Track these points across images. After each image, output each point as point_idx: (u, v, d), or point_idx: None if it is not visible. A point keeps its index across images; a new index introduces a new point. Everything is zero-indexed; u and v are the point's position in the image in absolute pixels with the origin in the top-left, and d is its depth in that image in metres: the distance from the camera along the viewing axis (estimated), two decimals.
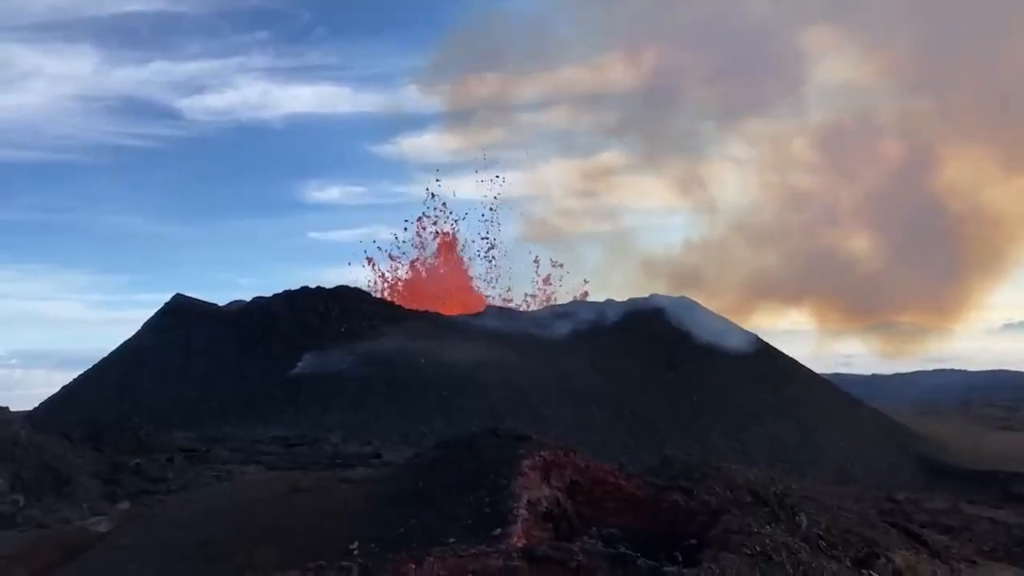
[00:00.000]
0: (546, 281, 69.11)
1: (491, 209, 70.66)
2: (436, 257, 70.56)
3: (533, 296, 68.42)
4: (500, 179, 72.68)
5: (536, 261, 69.93)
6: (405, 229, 70.16)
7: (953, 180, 79.36)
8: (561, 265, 69.68)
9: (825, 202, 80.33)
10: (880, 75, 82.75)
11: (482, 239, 69.89)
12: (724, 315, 58.19)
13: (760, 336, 54.81)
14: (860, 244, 77.22)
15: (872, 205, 76.88)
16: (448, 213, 70.67)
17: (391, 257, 69.52)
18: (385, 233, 70.71)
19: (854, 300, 75.48)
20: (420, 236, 69.91)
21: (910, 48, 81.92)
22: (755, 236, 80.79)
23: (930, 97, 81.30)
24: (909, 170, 76.06)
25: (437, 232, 70.39)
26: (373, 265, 68.89)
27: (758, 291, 76.20)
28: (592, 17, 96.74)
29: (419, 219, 70.57)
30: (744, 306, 75.07)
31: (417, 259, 69.82)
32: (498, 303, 65.29)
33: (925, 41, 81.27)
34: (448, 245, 70.51)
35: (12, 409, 24.72)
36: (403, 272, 69.64)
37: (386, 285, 68.12)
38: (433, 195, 70.92)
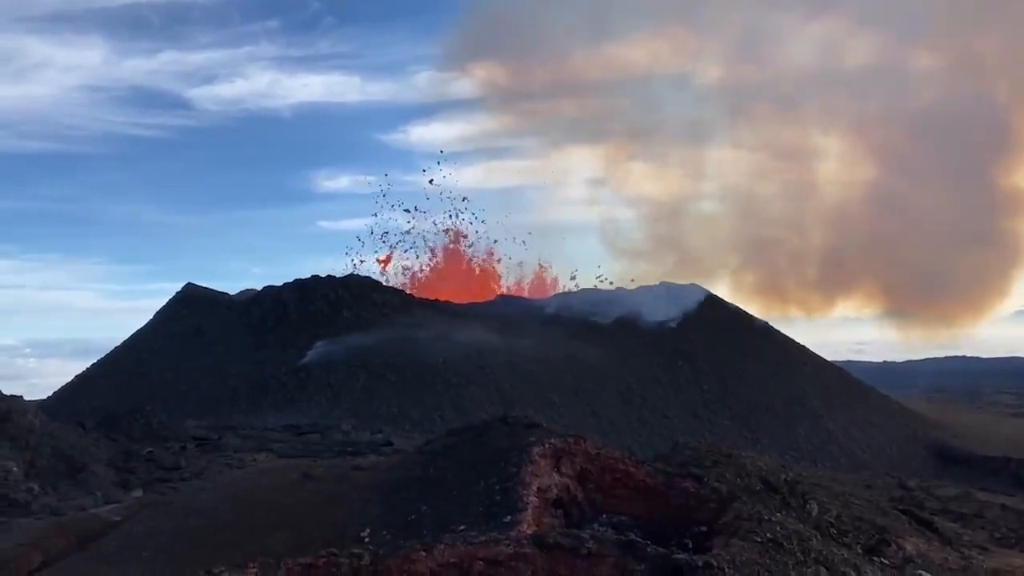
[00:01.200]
0: (549, 279, 68.68)
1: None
2: (445, 248, 70.43)
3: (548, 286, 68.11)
4: (510, 167, 72.22)
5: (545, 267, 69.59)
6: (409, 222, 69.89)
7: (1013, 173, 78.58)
8: (574, 274, 69.27)
9: (871, 191, 79.34)
10: (954, 66, 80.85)
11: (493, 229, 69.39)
12: (747, 302, 58.17)
13: (776, 323, 54.84)
14: (901, 233, 76.27)
15: (922, 193, 75.96)
16: (458, 209, 69.97)
17: (382, 259, 69.22)
18: (395, 222, 69.65)
19: (895, 286, 74.84)
20: (410, 233, 69.50)
21: (982, 39, 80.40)
22: (790, 225, 79.69)
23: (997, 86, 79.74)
24: (966, 158, 75.14)
25: (447, 231, 69.97)
26: (386, 264, 68.48)
27: (796, 279, 75.60)
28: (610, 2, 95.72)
29: (410, 211, 70.16)
30: (777, 294, 74.60)
31: (416, 267, 69.69)
32: (510, 292, 65.25)
33: (997, 32, 79.92)
34: (454, 246, 70.18)
35: (26, 398, 24.90)
36: (401, 267, 69.46)
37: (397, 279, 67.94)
38: (431, 181, 70.32)
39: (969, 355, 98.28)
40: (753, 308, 57.98)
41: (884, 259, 74.32)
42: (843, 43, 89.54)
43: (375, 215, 71.03)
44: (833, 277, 74.66)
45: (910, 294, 74.68)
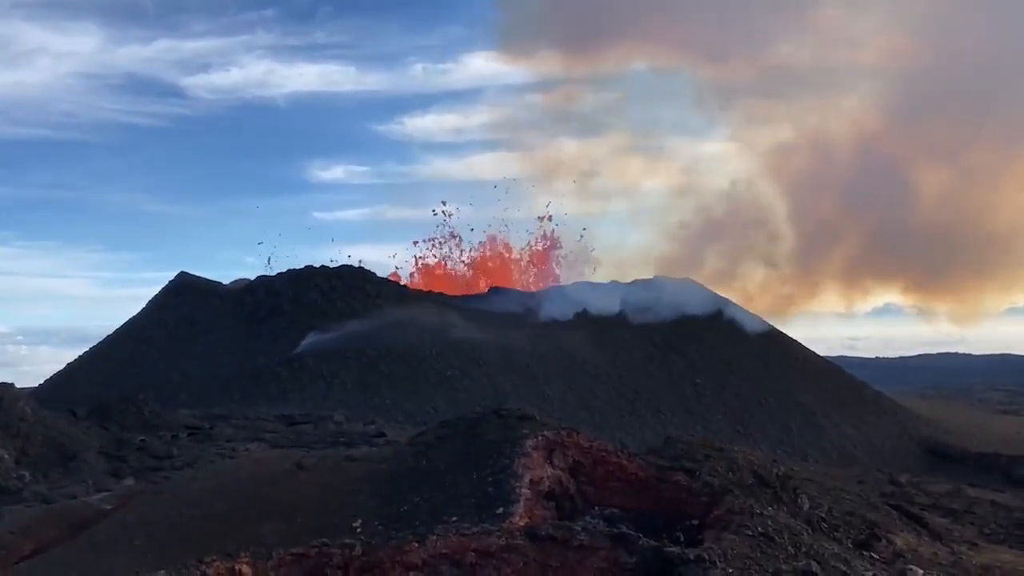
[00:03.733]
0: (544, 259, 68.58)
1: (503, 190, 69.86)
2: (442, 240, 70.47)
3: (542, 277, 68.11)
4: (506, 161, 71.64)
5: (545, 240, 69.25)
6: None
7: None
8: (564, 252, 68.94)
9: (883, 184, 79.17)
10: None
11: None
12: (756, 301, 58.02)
13: (773, 320, 54.89)
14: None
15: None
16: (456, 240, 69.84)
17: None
18: (391, 213, 69.79)
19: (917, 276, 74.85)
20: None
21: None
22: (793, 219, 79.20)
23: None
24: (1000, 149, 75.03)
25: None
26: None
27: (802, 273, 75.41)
28: None
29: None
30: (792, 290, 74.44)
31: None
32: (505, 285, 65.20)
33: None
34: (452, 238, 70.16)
35: (18, 386, 24.82)
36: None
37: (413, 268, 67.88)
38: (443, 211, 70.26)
39: (961, 352, 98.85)
40: (761, 304, 57.99)
41: (915, 250, 73.96)
42: (865, 37, 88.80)
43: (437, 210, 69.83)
44: (860, 270, 74.06)
45: (939, 285, 74.58)
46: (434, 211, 69.29)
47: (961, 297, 74.92)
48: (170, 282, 55.52)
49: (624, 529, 11.23)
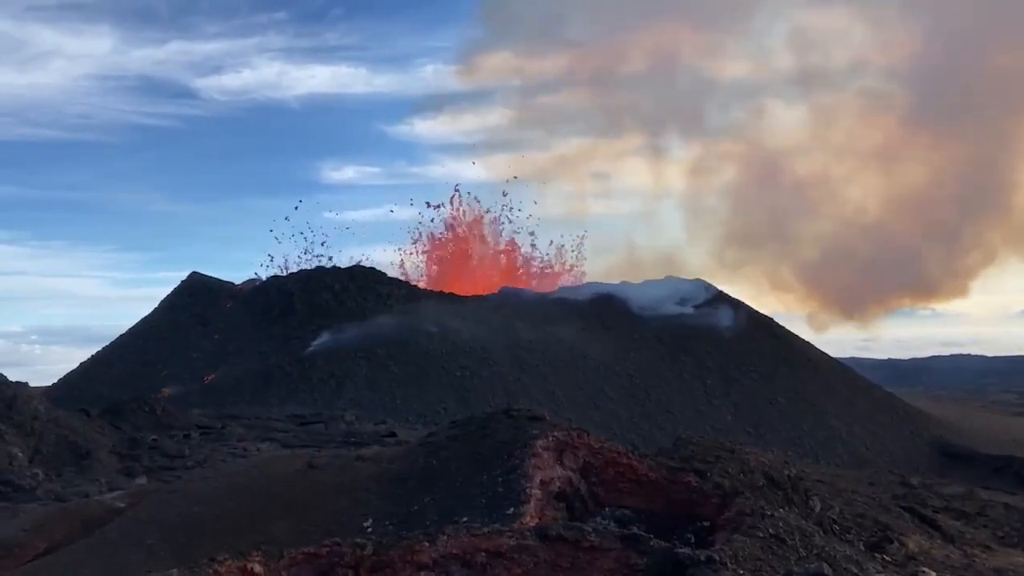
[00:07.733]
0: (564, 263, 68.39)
1: (504, 194, 69.79)
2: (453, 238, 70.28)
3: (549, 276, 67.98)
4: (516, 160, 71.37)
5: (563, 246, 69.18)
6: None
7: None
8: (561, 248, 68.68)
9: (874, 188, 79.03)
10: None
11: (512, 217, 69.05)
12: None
13: (781, 320, 54.68)
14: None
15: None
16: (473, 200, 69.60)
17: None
18: (403, 214, 69.91)
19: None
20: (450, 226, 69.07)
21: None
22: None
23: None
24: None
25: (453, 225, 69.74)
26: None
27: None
28: None
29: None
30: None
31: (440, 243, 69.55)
32: (513, 283, 65.11)
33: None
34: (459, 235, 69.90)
35: (32, 385, 25.01)
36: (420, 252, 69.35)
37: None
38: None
39: (974, 353, 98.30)
40: (768, 306, 57.87)
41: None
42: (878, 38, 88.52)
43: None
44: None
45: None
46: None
47: None
48: (182, 282, 55.81)
49: (635, 530, 11.21)
